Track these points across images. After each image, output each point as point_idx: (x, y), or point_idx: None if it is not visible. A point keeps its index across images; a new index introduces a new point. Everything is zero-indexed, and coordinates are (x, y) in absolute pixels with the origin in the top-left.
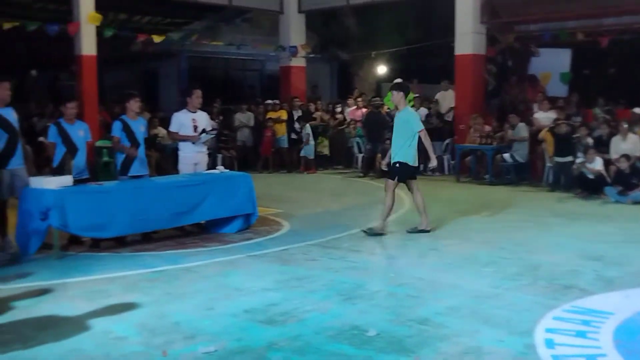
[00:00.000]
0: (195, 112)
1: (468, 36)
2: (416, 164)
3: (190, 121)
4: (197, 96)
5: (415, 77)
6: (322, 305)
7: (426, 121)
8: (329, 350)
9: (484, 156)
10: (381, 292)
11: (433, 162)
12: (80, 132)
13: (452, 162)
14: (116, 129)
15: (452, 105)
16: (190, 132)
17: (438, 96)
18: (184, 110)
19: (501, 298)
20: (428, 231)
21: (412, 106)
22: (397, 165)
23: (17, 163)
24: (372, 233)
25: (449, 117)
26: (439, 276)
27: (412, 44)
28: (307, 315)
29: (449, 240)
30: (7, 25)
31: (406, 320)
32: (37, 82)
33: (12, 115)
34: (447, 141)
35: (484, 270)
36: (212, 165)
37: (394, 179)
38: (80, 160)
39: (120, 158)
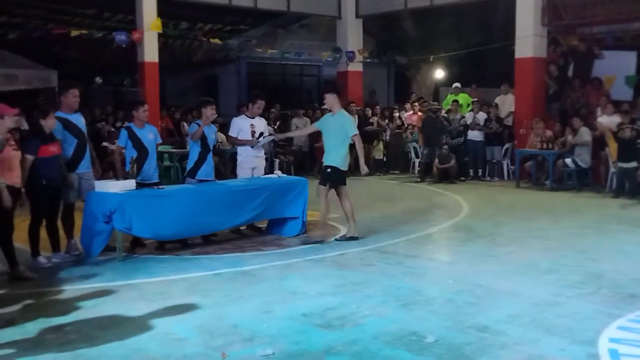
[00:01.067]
0: (253, 118)
1: (529, 39)
2: (346, 169)
3: (249, 126)
4: (259, 107)
5: (475, 81)
6: (380, 310)
7: (485, 125)
8: (387, 356)
9: (544, 161)
10: (439, 299)
11: (364, 169)
12: (150, 135)
13: (512, 167)
14: (192, 129)
15: (512, 109)
16: (248, 137)
17: (497, 100)
18: (243, 116)
19: (563, 306)
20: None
21: (471, 110)
22: (329, 170)
23: (85, 167)
24: (344, 239)
25: (508, 122)
26: (499, 283)
27: (471, 47)
28: (364, 320)
29: (509, 247)
30: (74, 33)
31: (465, 328)
32: (101, 89)
33: (80, 121)
34: (506, 146)
35: (545, 278)
36: (269, 170)
37: (325, 185)
38: (150, 163)
39: (191, 162)
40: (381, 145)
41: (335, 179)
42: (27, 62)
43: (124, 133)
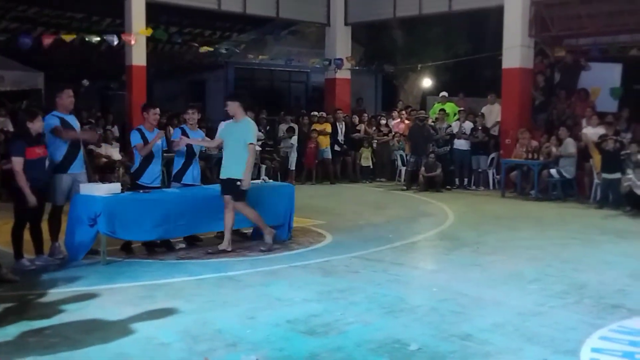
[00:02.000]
0: None
1: (516, 49)
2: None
3: None
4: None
5: (462, 91)
6: (364, 317)
7: (471, 135)
8: None
9: (529, 171)
10: (423, 307)
11: (245, 184)
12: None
13: (498, 176)
14: (176, 135)
15: (498, 119)
16: None
17: (484, 110)
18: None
19: (546, 316)
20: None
21: (457, 119)
22: (239, 182)
23: (78, 168)
24: (216, 251)
25: (494, 131)
26: (483, 292)
27: (459, 57)
28: (348, 327)
29: (494, 256)
30: (67, 38)
31: (449, 336)
32: (88, 91)
33: (75, 122)
34: (492, 155)
35: (529, 287)
36: (255, 175)
37: (240, 200)
38: (155, 167)
39: (177, 166)
40: (369, 153)
41: (244, 192)
42: (13, 63)
43: (136, 134)
